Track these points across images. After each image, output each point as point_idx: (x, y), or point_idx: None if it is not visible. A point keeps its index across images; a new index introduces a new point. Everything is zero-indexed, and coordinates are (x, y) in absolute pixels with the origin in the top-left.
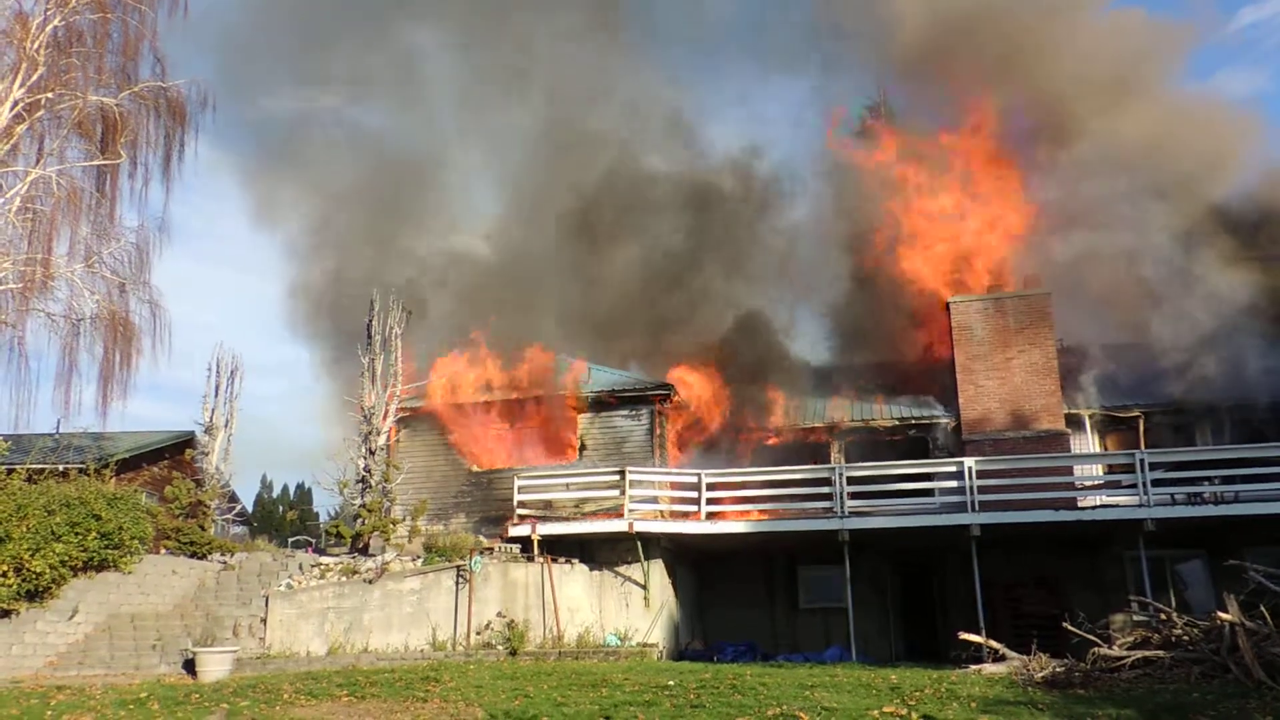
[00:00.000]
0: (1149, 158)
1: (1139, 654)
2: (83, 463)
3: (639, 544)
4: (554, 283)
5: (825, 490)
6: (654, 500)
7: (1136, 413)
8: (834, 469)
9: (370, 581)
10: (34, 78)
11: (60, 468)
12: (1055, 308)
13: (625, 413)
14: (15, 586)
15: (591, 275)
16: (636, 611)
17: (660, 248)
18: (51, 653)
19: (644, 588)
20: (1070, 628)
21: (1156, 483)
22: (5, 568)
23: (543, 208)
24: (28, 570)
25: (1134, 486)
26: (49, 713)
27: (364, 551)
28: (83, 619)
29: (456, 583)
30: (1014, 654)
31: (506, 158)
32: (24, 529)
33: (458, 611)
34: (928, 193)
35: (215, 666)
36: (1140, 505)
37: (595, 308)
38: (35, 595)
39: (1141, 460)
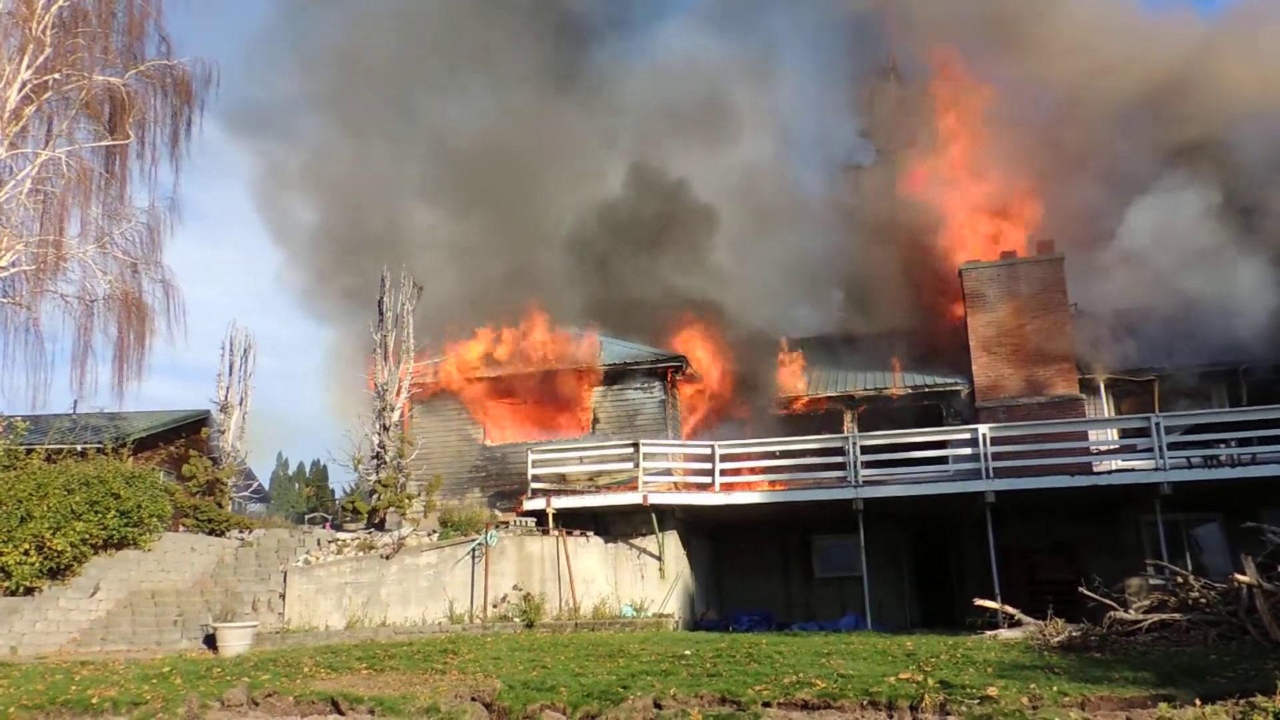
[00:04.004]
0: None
1: (1155, 617)
2: (100, 442)
3: (653, 516)
4: (556, 260)
5: (839, 460)
6: (668, 472)
7: (1151, 376)
8: (848, 438)
9: (387, 556)
10: (40, 59)
11: (78, 447)
12: (1069, 272)
13: (637, 385)
14: (37, 564)
15: (596, 251)
16: (652, 583)
17: (669, 217)
18: (75, 629)
19: (659, 559)
20: (1086, 592)
21: (1172, 446)
22: (27, 546)
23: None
24: (49, 548)
25: (1149, 450)
26: (74, 687)
27: (380, 527)
28: (104, 596)
29: (472, 557)
30: (1030, 619)
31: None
32: (44, 508)
33: (474, 585)
34: (941, 157)
35: (236, 641)
36: (1156, 469)
37: (600, 281)
38: (57, 573)
39: (1157, 424)
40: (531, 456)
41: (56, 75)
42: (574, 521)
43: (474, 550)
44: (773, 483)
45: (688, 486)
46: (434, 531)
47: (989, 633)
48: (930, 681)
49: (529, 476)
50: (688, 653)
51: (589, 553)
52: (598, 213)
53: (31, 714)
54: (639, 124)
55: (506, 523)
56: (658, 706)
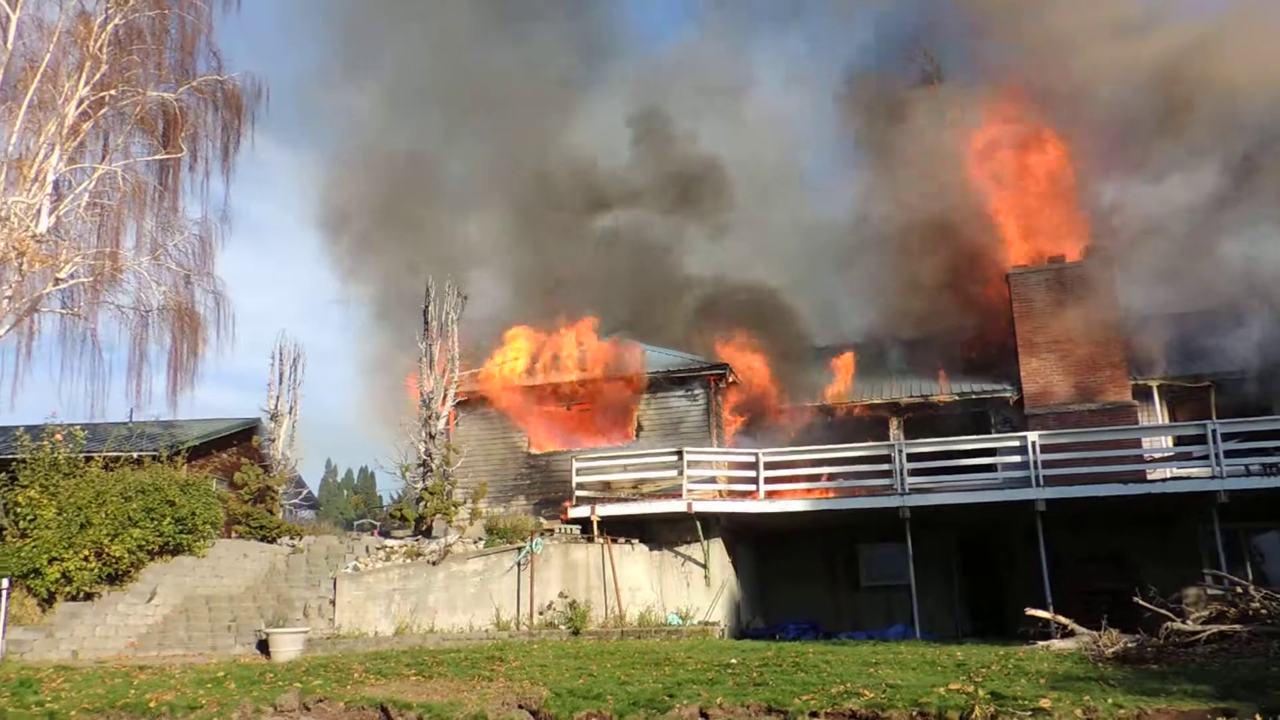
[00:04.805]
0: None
1: (1214, 628)
2: (155, 450)
3: (698, 524)
4: (602, 269)
5: (885, 467)
6: (712, 480)
7: (1207, 382)
8: (894, 446)
9: (434, 563)
10: (97, 76)
11: (134, 455)
12: (1120, 276)
13: (681, 393)
14: (96, 570)
15: (640, 261)
16: (697, 590)
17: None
18: (132, 634)
19: (704, 567)
20: (1142, 602)
21: (1230, 454)
22: (86, 552)
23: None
24: (108, 554)
25: (1206, 458)
26: (132, 691)
27: (427, 534)
28: (160, 601)
29: (518, 564)
30: (1083, 629)
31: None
32: (103, 515)
33: (520, 592)
34: (985, 155)
35: (288, 647)
36: (1213, 477)
37: (640, 293)
38: (115, 579)
39: (1214, 431)
40: (576, 464)
41: (113, 91)
42: (619, 529)
43: (520, 558)
44: (818, 490)
45: (732, 494)
46: (480, 539)
47: (1041, 643)
48: (981, 693)
49: (573, 484)
50: (734, 661)
51: (634, 560)
52: (644, 222)
53: (92, 717)
54: (680, 125)
55: (551, 530)
56: (704, 715)
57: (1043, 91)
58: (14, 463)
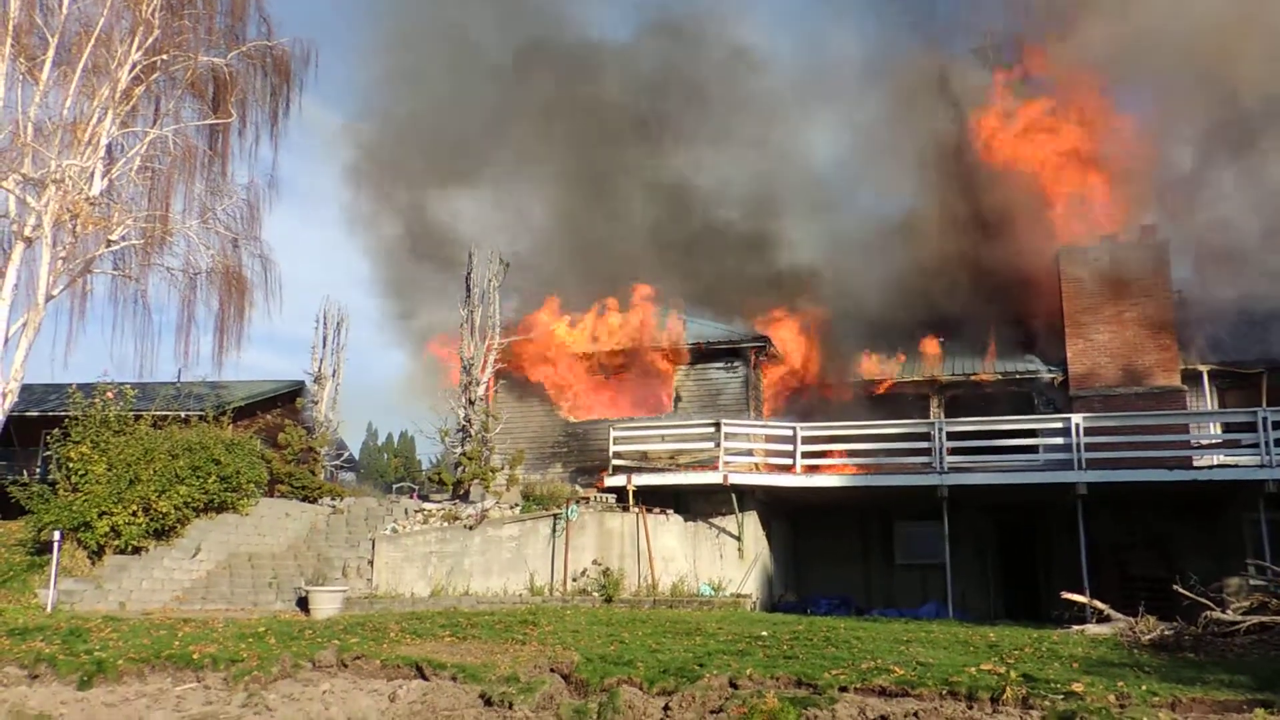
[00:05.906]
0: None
1: (1255, 619)
2: (202, 410)
3: (734, 496)
4: (642, 237)
5: (924, 445)
6: (749, 453)
7: (1259, 369)
8: (933, 424)
9: (471, 527)
10: (149, 41)
11: (182, 415)
12: (1172, 257)
13: (721, 365)
14: (144, 525)
15: (680, 231)
16: (730, 562)
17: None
18: (177, 588)
19: (738, 539)
20: (1181, 590)
21: None
22: (135, 507)
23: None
24: (155, 510)
25: (1255, 446)
26: (176, 643)
27: (464, 498)
28: (205, 557)
29: (553, 530)
30: (1120, 615)
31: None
32: (151, 472)
33: (554, 558)
34: (1041, 133)
35: (327, 605)
36: (1261, 465)
37: (682, 262)
38: (162, 534)
39: (1264, 418)
40: (613, 434)
41: (164, 56)
42: (654, 499)
43: (555, 524)
44: (855, 467)
45: (769, 467)
46: (516, 505)
47: (1076, 627)
48: (1013, 674)
49: (610, 453)
50: (765, 634)
51: (668, 530)
52: (686, 193)
53: (139, 666)
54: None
55: (587, 498)
56: (733, 686)
57: (1099, 64)
58: (67, 419)
